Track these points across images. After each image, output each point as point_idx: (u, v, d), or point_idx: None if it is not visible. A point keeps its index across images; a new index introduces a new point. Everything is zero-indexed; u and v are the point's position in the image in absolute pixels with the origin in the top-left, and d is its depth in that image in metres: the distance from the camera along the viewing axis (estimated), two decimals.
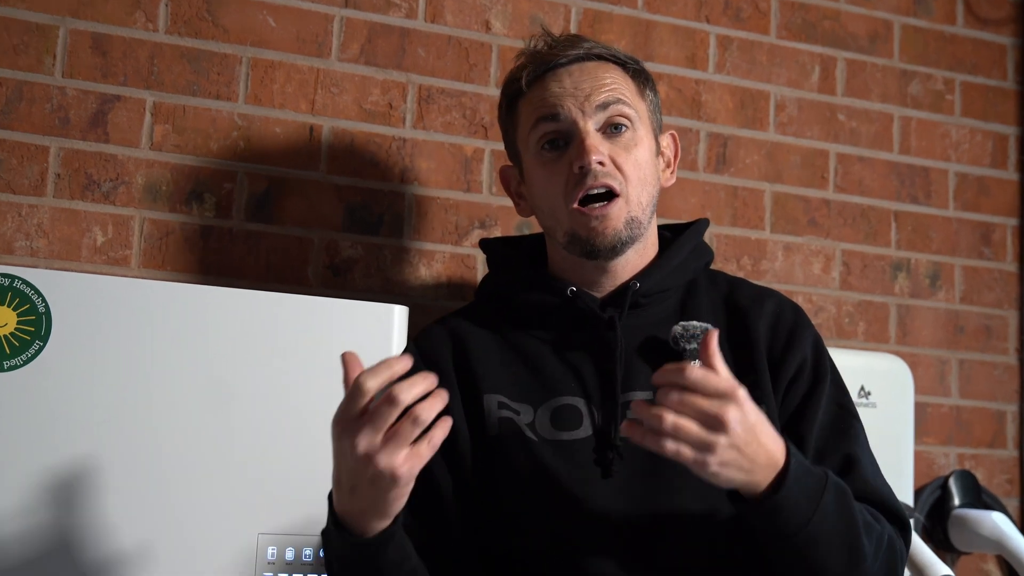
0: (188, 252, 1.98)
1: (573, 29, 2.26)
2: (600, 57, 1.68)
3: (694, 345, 1.59)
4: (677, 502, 1.51)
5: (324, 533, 1.41)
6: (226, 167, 2.02)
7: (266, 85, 2.06)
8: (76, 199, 1.94)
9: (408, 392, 1.28)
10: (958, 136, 2.58)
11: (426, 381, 1.30)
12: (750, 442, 1.32)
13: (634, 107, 1.65)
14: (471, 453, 1.59)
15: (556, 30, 2.24)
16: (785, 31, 2.45)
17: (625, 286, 1.65)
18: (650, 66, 2.28)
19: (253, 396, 1.69)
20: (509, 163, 1.78)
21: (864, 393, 2.21)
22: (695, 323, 1.61)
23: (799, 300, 2.35)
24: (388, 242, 2.09)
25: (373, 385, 1.28)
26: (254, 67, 2.05)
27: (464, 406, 1.61)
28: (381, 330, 1.75)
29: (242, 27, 2.05)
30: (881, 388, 2.24)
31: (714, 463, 1.31)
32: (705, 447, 1.30)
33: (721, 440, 1.30)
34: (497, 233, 2.16)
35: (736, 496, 1.40)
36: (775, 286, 2.29)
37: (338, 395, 1.66)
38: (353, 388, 1.29)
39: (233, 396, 1.68)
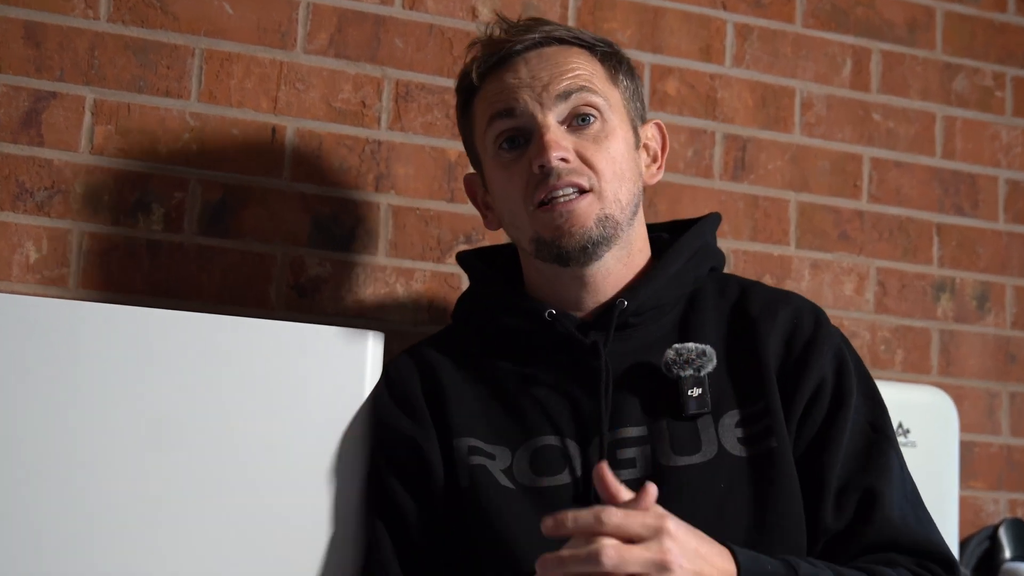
0: (133, 270, 1.99)
1: (571, 17, 2.28)
2: (561, 41, 1.67)
3: (689, 372, 1.59)
4: None
5: None
6: (176, 173, 2.02)
7: (222, 80, 2.07)
8: (6, 210, 1.94)
9: None
10: (1009, 138, 2.60)
11: None
12: (696, 545, 1.31)
13: (603, 95, 1.65)
14: (444, 499, 1.61)
15: (553, 16, 2.25)
16: (812, 19, 2.47)
17: (611, 304, 1.64)
18: (659, 59, 2.31)
19: (207, 435, 1.67)
20: (473, 171, 1.80)
21: (902, 431, 2.21)
22: (690, 345, 1.60)
23: None
24: (361, 259, 2.10)
25: None
26: (208, 60, 2.06)
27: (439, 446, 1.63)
28: (353, 359, 1.75)
29: (195, 15, 2.06)
30: (921, 425, 2.23)
31: None
32: (660, 567, 1.27)
33: (672, 554, 1.28)
34: None
35: None
36: None
37: (305, 431, 1.68)
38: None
39: (184, 435, 1.66)
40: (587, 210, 1.59)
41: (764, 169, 2.38)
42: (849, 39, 2.49)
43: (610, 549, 1.25)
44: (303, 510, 1.69)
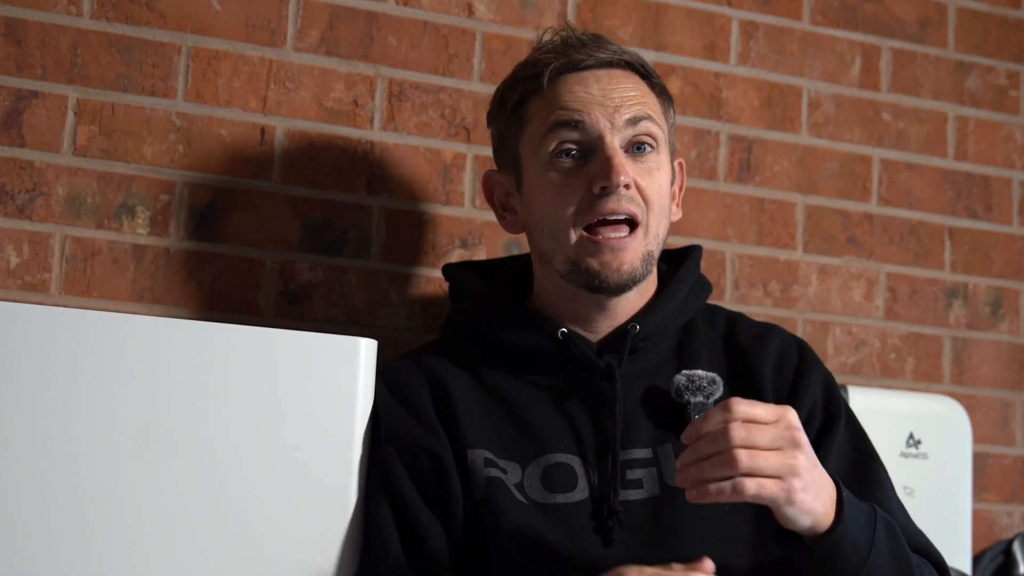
0: (117, 275, 1.99)
1: (571, 11, 2.28)
2: (628, 65, 1.73)
3: (699, 398, 1.65)
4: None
5: None
6: (162, 176, 2.02)
7: (210, 79, 2.07)
8: None
9: None
10: None
11: None
12: (817, 465, 1.42)
13: (660, 127, 1.71)
14: (461, 511, 1.62)
15: (552, 13, 2.25)
16: (820, 15, 2.47)
17: (623, 328, 1.70)
18: (662, 57, 2.31)
19: (194, 446, 1.67)
20: (495, 168, 1.81)
21: (913, 442, 2.22)
22: (700, 373, 1.66)
23: (836, 332, 2.37)
24: (353, 264, 2.10)
25: None
26: (195, 58, 2.06)
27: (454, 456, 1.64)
28: (345, 367, 1.75)
29: (181, 11, 2.06)
30: (933, 436, 2.24)
31: (799, 488, 1.38)
32: (789, 471, 1.37)
33: (801, 460, 1.38)
34: (481, 254, 2.16)
35: (789, 539, 1.48)
36: (808, 315, 2.32)
37: (295, 441, 1.68)
38: None
39: (171, 446, 1.66)
40: (636, 249, 1.65)
41: (770, 171, 2.39)
42: (858, 36, 2.49)
43: (743, 454, 1.36)
44: (294, 522, 1.68)
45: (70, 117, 1.99)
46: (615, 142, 1.66)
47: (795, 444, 1.38)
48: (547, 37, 1.78)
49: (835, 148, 2.44)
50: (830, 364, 2.29)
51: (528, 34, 2.19)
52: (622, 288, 1.66)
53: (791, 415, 1.40)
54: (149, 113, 2.03)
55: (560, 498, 1.61)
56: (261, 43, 2.10)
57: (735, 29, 2.40)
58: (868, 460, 1.70)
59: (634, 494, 1.61)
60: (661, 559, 1.55)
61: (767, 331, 1.79)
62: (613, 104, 1.67)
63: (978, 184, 2.54)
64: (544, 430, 1.65)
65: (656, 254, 1.69)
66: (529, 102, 1.73)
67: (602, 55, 1.71)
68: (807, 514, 1.40)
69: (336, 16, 2.14)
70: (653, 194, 1.67)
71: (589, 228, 1.65)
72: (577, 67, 1.70)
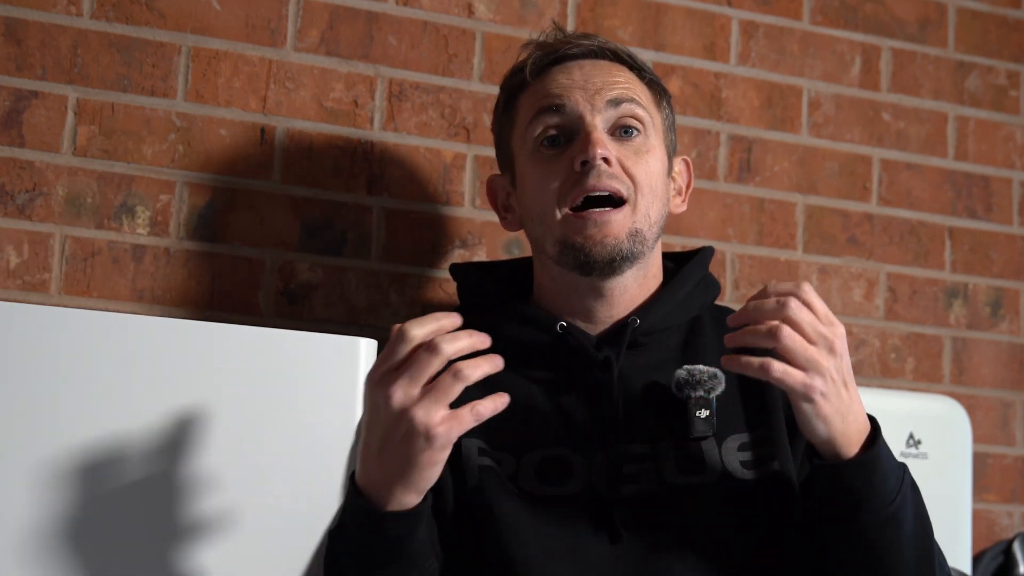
0: (117, 275, 1.99)
1: (571, 11, 2.29)
2: (616, 56, 1.75)
3: (700, 392, 1.62)
4: (680, 568, 1.55)
5: (341, 512, 1.49)
6: (162, 176, 2.03)
7: (209, 79, 2.07)
8: None
9: (452, 344, 1.37)
10: None
11: (474, 338, 1.38)
12: (848, 384, 1.45)
13: (648, 112, 1.71)
14: (453, 503, 1.62)
15: (552, 12, 2.26)
16: (821, 15, 2.47)
17: (623, 322, 1.69)
18: (662, 57, 2.32)
19: (194, 445, 1.68)
20: (498, 173, 1.83)
21: (913, 442, 2.22)
22: (700, 368, 1.63)
23: None
24: (353, 264, 2.11)
25: (418, 333, 1.37)
26: (195, 58, 2.07)
27: None
28: (345, 367, 1.75)
29: (181, 11, 2.06)
30: (933, 436, 2.24)
31: (818, 390, 1.42)
32: (815, 367, 1.41)
33: (831, 364, 1.42)
34: (482, 254, 2.17)
35: (819, 457, 1.50)
36: None
37: (295, 441, 1.68)
38: (396, 335, 1.38)
39: (170, 446, 1.67)
40: (622, 223, 1.65)
41: (770, 171, 2.39)
42: (858, 36, 2.49)
43: (788, 331, 1.41)
44: (293, 522, 1.68)
45: (70, 117, 2.00)
46: (596, 121, 1.67)
47: (832, 350, 1.42)
48: (539, 36, 1.80)
49: (835, 148, 2.44)
50: None
51: (528, 34, 2.20)
52: (610, 264, 1.65)
53: (842, 330, 1.44)
54: (149, 113, 2.03)
55: (554, 491, 1.60)
56: (261, 43, 2.10)
57: (735, 29, 2.41)
58: None
59: (631, 488, 1.60)
60: (651, 556, 1.56)
61: None
62: (594, 87, 1.69)
63: (978, 184, 2.55)
64: (540, 423, 1.64)
65: (648, 236, 1.67)
66: (518, 98, 1.77)
67: (587, 43, 1.74)
68: (822, 420, 1.44)
69: (336, 16, 2.15)
70: (640, 173, 1.67)
71: (575, 208, 1.65)
72: (561, 58, 1.74)
